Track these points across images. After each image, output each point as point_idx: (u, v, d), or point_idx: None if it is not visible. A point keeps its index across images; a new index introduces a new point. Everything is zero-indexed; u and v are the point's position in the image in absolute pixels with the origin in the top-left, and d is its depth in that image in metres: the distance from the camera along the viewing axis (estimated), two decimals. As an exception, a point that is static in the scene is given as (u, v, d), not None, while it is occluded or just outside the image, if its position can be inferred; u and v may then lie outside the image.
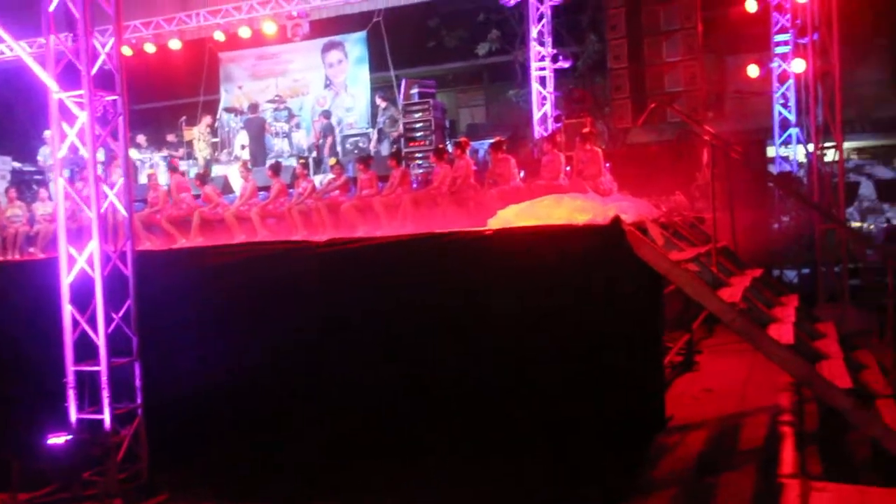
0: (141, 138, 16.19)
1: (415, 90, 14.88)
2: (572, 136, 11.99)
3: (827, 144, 11.63)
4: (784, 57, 14.46)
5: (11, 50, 12.44)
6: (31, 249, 11.85)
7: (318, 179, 12.65)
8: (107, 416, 6.58)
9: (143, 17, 16.55)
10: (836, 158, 11.39)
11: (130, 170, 7.52)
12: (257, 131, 15.95)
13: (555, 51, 15.80)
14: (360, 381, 6.76)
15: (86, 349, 6.70)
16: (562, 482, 5.98)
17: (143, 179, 14.20)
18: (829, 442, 6.24)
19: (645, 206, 8.17)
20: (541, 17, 15.62)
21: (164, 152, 15.85)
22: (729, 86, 18.71)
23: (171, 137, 16.83)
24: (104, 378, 6.59)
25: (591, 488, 5.85)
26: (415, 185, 12.01)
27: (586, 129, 11.18)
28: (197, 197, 11.99)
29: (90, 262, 6.69)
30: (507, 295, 6.39)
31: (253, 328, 7.16)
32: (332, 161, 12.29)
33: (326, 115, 16.05)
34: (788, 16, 13.97)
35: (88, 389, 6.68)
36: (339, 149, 15.43)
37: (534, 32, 15.67)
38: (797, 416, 6.85)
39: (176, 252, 9.50)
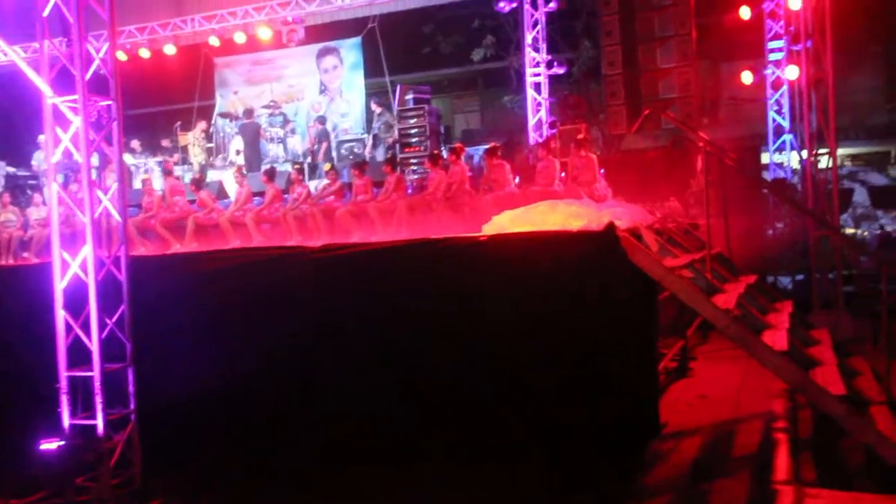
0: (135, 143, 16.16)
1: (410, 96, 14.88)
2: (567, 143, 11.99)
3: (821, 151, 11.65)
4: (778, 64, 14.53)
5: (6, 55, 12.42)
6: (25, 254, 11.83)
7: (313, 185, 12.64)
8: (100, 422, 6.56)
9: (138, 22, 16.54)
10: (830, 165, 11.42)
11: (125, 175, 7.51)
12: (252, 137, 15.95)
13: (549, 57, 15.83)
14: (355, 387, 6.76)
15: (79, 354, 6.68)
16: (556, 488, 5.97)
17: (137, 185, 14.17)
18: (823, 448, 6.25)
19: (639, 213, 8.17)
20: (535, 24, 15.66)
21: (159, 157, 15.84)
22: (723, 92, 18.75)
23: (165, 142, 16.83)
24: (97, 383, 6.56)
25: (586, 494, 5.85)
26: (410, 191, 12.01)
27: (581, 136, 11.22)
28: (192, 202, 11.97)
29: (84, 268, 6.66)
30: (502, 301, 6.40)
31: (247, 334, 7.15)
32: (327, 167, 12.27)
33: (321, 120, 16.05)
34: (782, 23, 14.04)
35: (82, 395, 6.65)
36: (334, 154, 15.43)
37: (528, 39, 15.70)
38: (791, 422, 6.88)
39: (170, 257, 9.48)
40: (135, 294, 6.85)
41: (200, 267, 7.75)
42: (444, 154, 12.22)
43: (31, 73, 6.87)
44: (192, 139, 16.47)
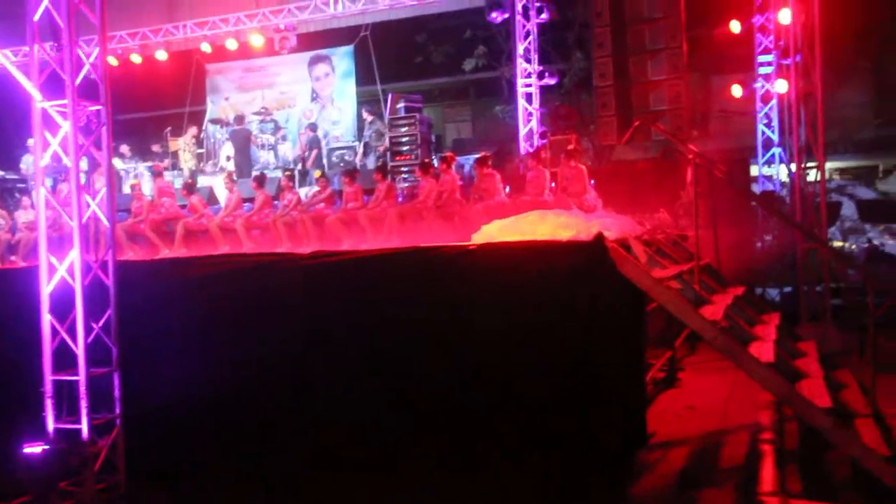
0: (125, 148, 16.11)
1: (401, 104, 14.91)
2: (557, 153, 12.04)
3: (809, 164, 11.74)
4: (767, 77, 14.62)
5: (-4, 57, 12.39)
6: (13, 258, 11.77)
7: (304, 192, 12.63)
8: (85, 426, 6.51)
9: (130, 27, 16.54)
10: (819, 178, 11.50)
11: (113, 179, 7.48)
12: (243, 143, 15.93)
13: (541, 68, 15.89)
14: (345, 395, 6.73)
15: (65, 358, 6.63)
16: (546, 497, 5.96)
17: (126, 190, 14.13)
18: (809, 460, 6.27)
19: (628, 224, 8.20)
20: (527, 35, 15.72)
21: (149, 162, 15.78)
22: (713, 105, 18.86)
23: (156, 148, 16.78)
24: (83, 388, 6.52)
25: (568, 499, 5.85)
26: (400, 199, 12.02)
27: (571, 146, 11.24)
28: (183, 207, 11.95)
29: (71, 272, 6.63)
30: (492, 310, 6.39)
31: (236, 340, 7.12)
32: (318, 174, 12.28)
33: (313, 127, 16.06)
34: (772, 37, 14.15)
35: (67, 399, 6.61)
36: (324, 162, 15.43)
37: (520, 49, 15.76)
38: (778, 434, 6.90)
39: (159, 262, 9.45)
40: (122, 299, 6.82)
41: (189, 272, 7.72)
42: (435, 163, 12.23)
43: (20, 77, 6.85)
44: (183, 145, 16.45)
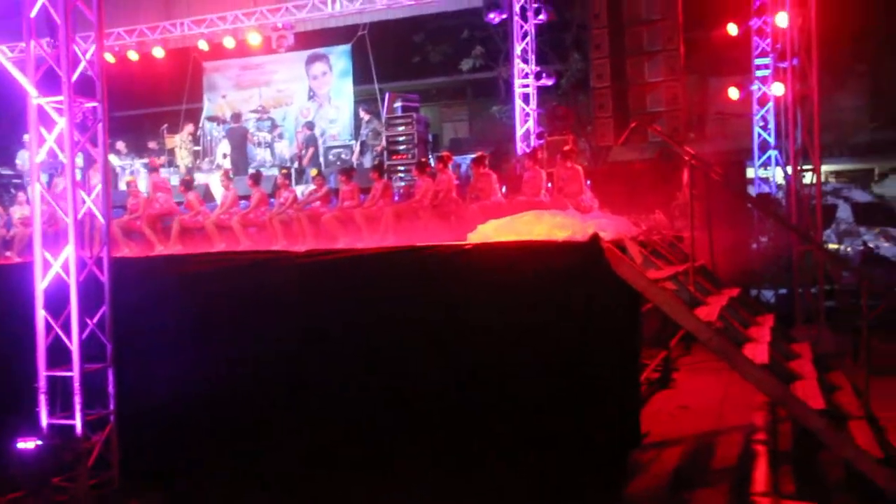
0: (120, 145, 16.09)
1: (398, 104, 14.91)
2: (554, 153, 12.03)
3: (805, 167, 11.77)
4: (764, 80, 14.65)
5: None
6: (8, 253, 11.73)
7: (300, 190, 12.62)
8: (78, 422, 6.51)
9: (127, 24, 16.50)
10: (814, 181, 11.52)
11: (109, 176, 7.48)
12: (239, 141, 15.91)
13: (538, 68, 15.91)
14: (340, 393, 6.73)
15: (59, 354, 6.64)
16: (540, 497, 5.96)
17: (122, 186, 14.12)
18: (803, 462, 6.29)
19: (624, 224, 8.21)
20: (525, 35, 15.73)
21: (145, 159, 15.75)
22: (710, 107, 18.92)
23: (152, 145, 16.75)
24: (76, 383, 6.52)
25: (564, 499, 5.86)
26: (396, 198, 12.02)
27: (567, 147, 11.24)
28: (179, 204, 11.94)
29: (66, 268, 6.63)
30: (487, 309, 6.39)
31: (232, 337, 7.12)
32: (314, 172, 12.27)
33: (309, 126, 16.04)
34: (769, 40, 14.17)
35: (61, 395, 6.61)
36: (321, 160, 15.41)
37: (518, 50, 15.78)
38: (771, 435, 6.92)
39: (154, 259, 9.44)
40: (117, 295, 6.82)
41: (184, 269, 7.71)
42: (432, 162, 12.23)
43: (16, 73, 6.84)
44: (179, 142, 16.43)
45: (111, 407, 6.74)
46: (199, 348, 7.12)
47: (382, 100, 15.80)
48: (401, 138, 14.32)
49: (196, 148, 16.72)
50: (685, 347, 10.32)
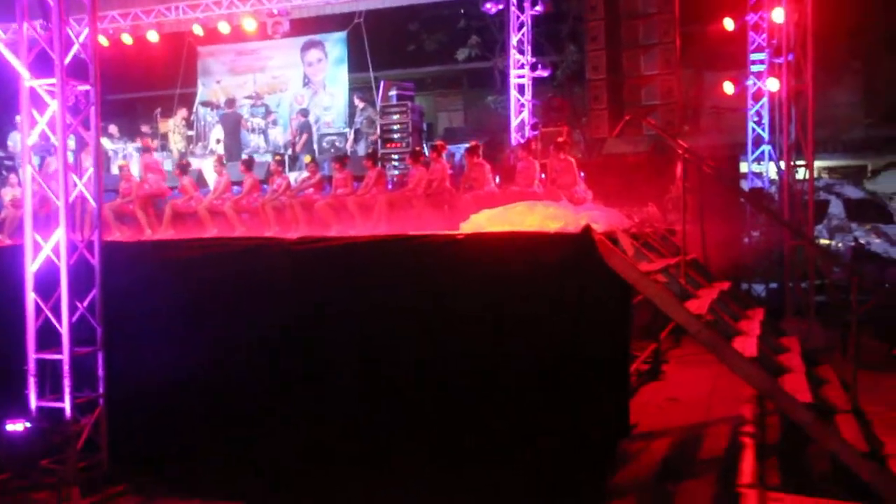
0: (113, 129, 15.99)
1: (393, 92, 14.89)
2: (548, 145, 12.05)
3: (798, 162, 11.80)
4: (759, 75, 14.66)
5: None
6: (-1, 235, 11.69)
7: (293, 177, 12.60)
8: (67, 405, 6.50)
9: (121, 7, 16.39)
10: (807, 177, 11.56)
11: (101, 160, 7.44)
12: (233, 126, 15.86)
13: (534, 59, 15.90)
14: (332, 381, 6.72)
15: (49, 337, 6.62)
16: (531, 486, 5.98)
17: (114, 170, 14.05)
18: (790, 454, 6.33)
19: (617, 217, 8.22)
20: (521, 26, 15.72)
21: (138, 143, 15.69)
22: (705, 101, 18.92)
23: (145, 129, 16.66)
24: (66, 366, 6.51)
25: (559, 494, 5.88)
26: (390, 187, 12.01)
27: (561, 139, 11.24)
28: (174, 188, 11.92)
29: (56, 251, 6.61)
30: (479, 300, 6.39)
31: (224, 323, 7.09)
32: (308, 159, 12.25)
33: (304, 113, 16.00)
34: (765, 35, 14.18)
35: (50, 378, 6.60)
36: (315, 147, 15.39)
37: (514, 40, 15.77)
38: (759, 427, 6.96)
39: (145, 244, 9.40)
40: (108, 279, 6.80)
41: (176, 254, 7.68)
42: (426, 151, 12.23)
43: (8, 55, 6.80)
44: (173, 126, 16.36)
45: (101, 390, 6.73)
46: (190, 334, 7.11)
47: (377, 88, 15.77)
48: (395, 127, 14.30)
49: (189, 133, 16.67)
50: (675, 340, 10.37)
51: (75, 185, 6.75)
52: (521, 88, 15.84)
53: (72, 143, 6.99)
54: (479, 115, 21.30)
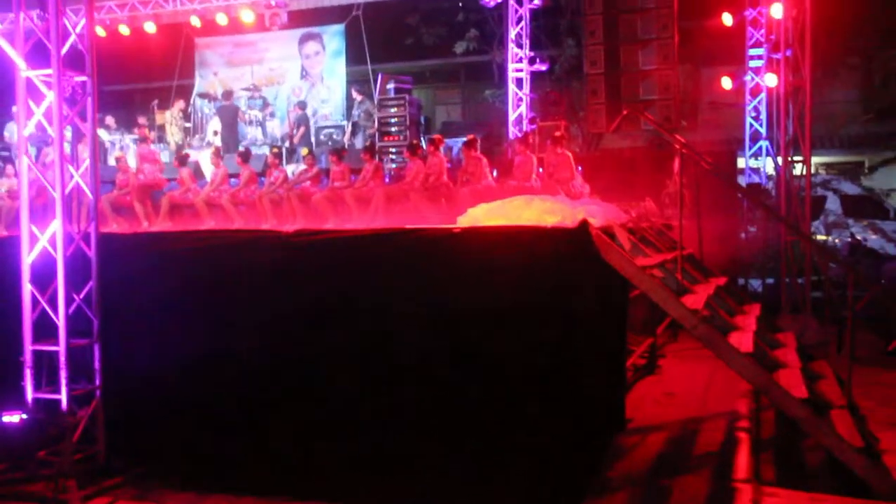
0: (110, 120, 15.97)
1: (391, 85, 14.84)
2: (545, 139, 12.04)
3: (796, 158, 11.82)
4: (757, 71, 14.67)
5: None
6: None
7: (291, 169, 12.58)
8: (64, 397, 6.50)
9: (118, -2, 16.34)
10: (804, 172, 11.58)
11: (97, 151, 7.43)
12: (230, 118, 15.82)
13: (532, 53, 15.88)
14: (327, 374, 6.73)
15: (45, 329, 6.61)
16: (524, 479, 6.00)
17: (111, 162, 14.03)
18: (785, 449, 6.35)
19: (614, 211, 8.22)
20: (519, 20, 15.69)
21: (135, 135, 15.66)
22: (703, 96, 18.94)
23: (142, 120, 16.62)
24: (62, 358, 6.50)
25: (554, 488, 5.89)
26: (387, 180, 12.00)
27: (558, 133, 11.24)
28: (171, 180, 11.90)
29: (53, 242, 6.60)
30: (475, 293, 6.38)
31: (221, 316, 7.09)
32: (305, 151, 12.23)
33: (302, 105, 15.97)
34: (763, 31, 14.18)
35: (46, 369, 6.59)
36: (312, 140, 15.35)
37: (512, 34, 15.74)
38: (754, 422, 6.98)
39: (142, 236, 9.39)
40: (105, 271, 6.79)
41: (173, 246, 7.67)
42: (424, 144, 12.21)
43: (5, 45, 6.77)
44: (170, 118, 16.31)
45: (97, 382, 6.72)
46: (186, 326, 7.10)
47: (375, 81, 15.73)
48: (393, 120, 14.27)
49: (187, 125, 16.62)
50: (672, 334, 10.38)
51: (72, 176, 6.74)
52: (519, 82, 15.82)
53: (68, 134, 6.98)
54: (477, 109, 21.28)
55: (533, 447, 6.08)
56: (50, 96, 6.61)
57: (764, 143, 14.86)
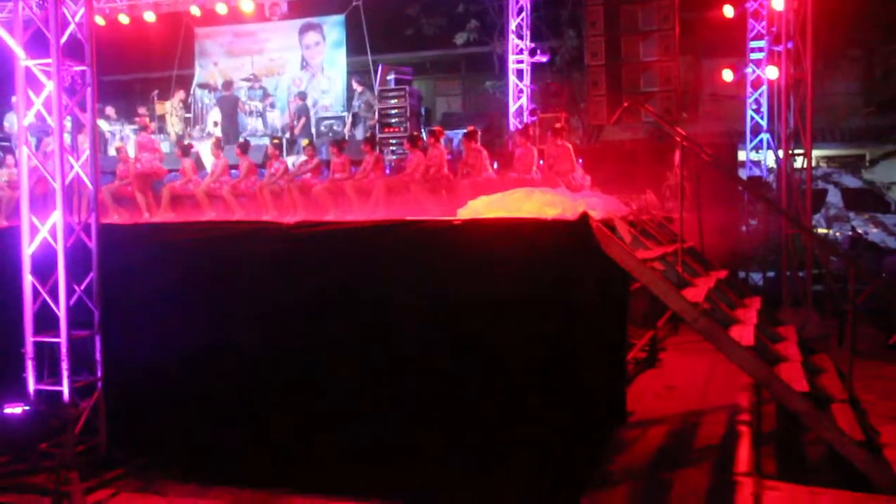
0: (110, 110, 15.91)
1: (391, 76, 14.80)
2: (546, 130, 12.01)
3: (797, 151, 11.79)
4: (759, 63, 14.62)
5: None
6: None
7: (291, 160, 12.56)
8: (65, 388, 6.50)
9: (118, -13, 16.26)
10: (805, 165, 11.55)
11: (97, 141, 7.41)
12: (230, 109, 15.77)
13: (533, 44, 15.82)
14: (328, 365, 6.73)
15: (46, 320, 6.61)
16: (525, 471, 6.00)
17: (111, 152, 14.00)
18: (785, 442, 6.35)
19: (614, 204, 8.19)
20: (520, 11, 15.63)
21: (135, 125, 15.62)
22: (704, 88, 18.89)
23: (142, 110, 16.58)
24: (64, 350, 6.50)
25: (554, 481, 5.90)
26: (388, 171, 11.97)
27: (558, 125, 11.21)
28: (173, 170, 11.88)
29: (53, 233, 6.58)
30: (476, 285, 6.38)
31: (222, 307, 7.09)
32: (306, 142, 12.20)
33: (302, 96, 15.92)
34: (764, 23, 14.14)
35: (48, 361, 6.59)
36: (313, 131, 15.32)
37: (513, 25, 15.68)
38: (755, 416, 6.98)
39: (142, 226, 9.39)
40: (105, 262, 6.78)
41: (174, 237, 7.66)
42: (424, 136, 12.18)
43: (4, 35, 6.74)
44: (170, 108, 16.27)
45: (99, 374, 6.73)
46: (187, 317, 7.10)
47: (375, 72, 15.69)
48: (393, 111, 14.23)
49: (187, 115, 16.58)
50: (673, 328, 10.38)
51: (72, 166, 6.73)
52: (519, 74, 15.77)
53: (68, 124, 6.95)
54: (478, 100, 21.23)
55: (533, 439, 6.08)
56: (49, 86, 6.59)
57: (765, 136, 14.83)
